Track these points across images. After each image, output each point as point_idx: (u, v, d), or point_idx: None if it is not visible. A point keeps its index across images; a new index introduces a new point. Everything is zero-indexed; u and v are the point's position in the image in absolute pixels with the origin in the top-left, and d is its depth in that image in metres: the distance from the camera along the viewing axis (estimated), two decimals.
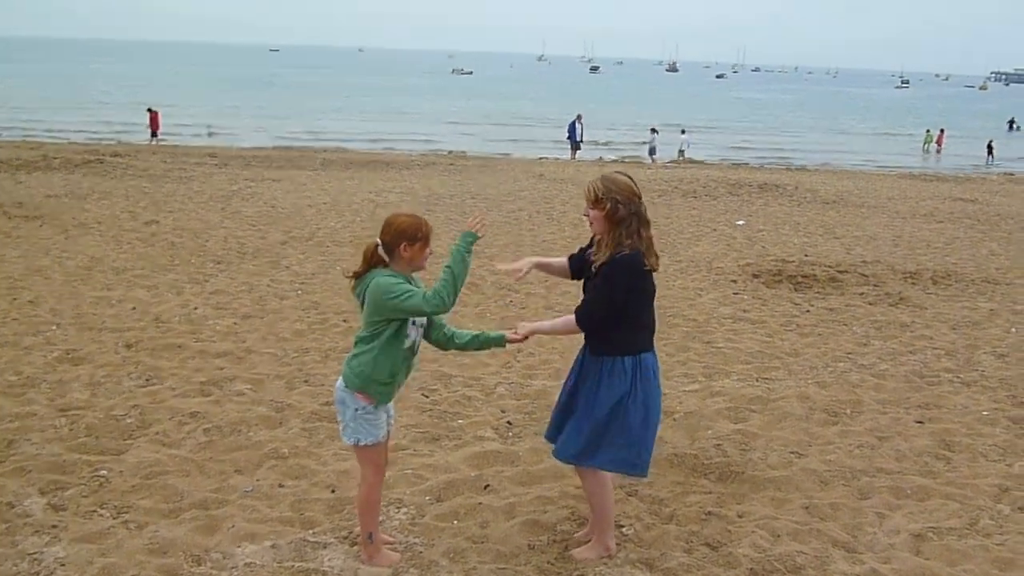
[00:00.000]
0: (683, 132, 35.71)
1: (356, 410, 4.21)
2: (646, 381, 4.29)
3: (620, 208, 4.17)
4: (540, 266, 4.64)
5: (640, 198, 4.24)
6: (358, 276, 4.21)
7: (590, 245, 4.45)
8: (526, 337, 4.44)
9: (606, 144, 34.39)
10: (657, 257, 4.28)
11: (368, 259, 4.18)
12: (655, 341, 4.43)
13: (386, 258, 4.15)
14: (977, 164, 38.58)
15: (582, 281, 4.47)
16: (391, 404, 4.41)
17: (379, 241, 4.16)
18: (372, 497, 4.38)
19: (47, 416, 6.16)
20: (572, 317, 4.29)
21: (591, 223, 4.29)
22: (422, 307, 4.04)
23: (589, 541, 4.60)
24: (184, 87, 77.30)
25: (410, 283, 4.16)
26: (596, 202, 4.21)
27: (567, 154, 33.54)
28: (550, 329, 4.80)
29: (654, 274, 4.28)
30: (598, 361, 4.30)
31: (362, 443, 4.26)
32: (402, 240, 4.10)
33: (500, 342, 4.45)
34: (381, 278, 4.09)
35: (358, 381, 4.19)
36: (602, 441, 4.28)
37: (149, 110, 32.55)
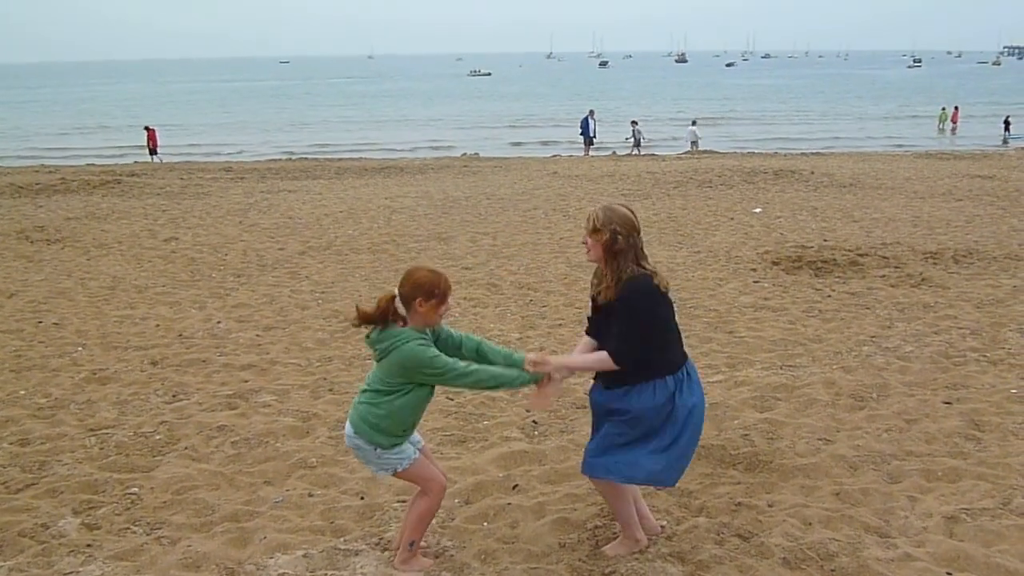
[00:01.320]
0: (693, 123, 35.77)
1: (375, 449, 4.16)
2: (689, 393, 4.26)
3: (619, 240, 4.09)
4: (569, 366, 4.42)
5: (639, 232, 4.18)
6: (370, 322, 4.07)
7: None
8: (549, 376, 4.22)
9: (650, 142, 34.15)
10: (664, 280, 4.20)
11: (383, 309, 4.04)
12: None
13: (402, 310, 4.06)
14: (995, 141, 38.15)
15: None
16: None
17: (396, 292, 4.08)
18: (432, 509, 4.37)
19: (77, 436, 6.22)
20: (605, 355, 4.15)
21: (588, 251, 4.22)
22: (455, 383, 4.09)
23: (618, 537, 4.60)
24: (194, 104, 77.71)
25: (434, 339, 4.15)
26: (594, 232, 4.14)
27: (581, 151, 33.57)
28: (581, 365, 4.41)
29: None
30: (644, 387, 4.20)
31: (400, 470, 4.24)
32: (418, 294, 4.01)
33: (524, 380, 4.20)
34: (416, 346, 4.00)
35: (368, 429, 4.12)
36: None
37: (147, 128, 32.69)
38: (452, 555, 4.59)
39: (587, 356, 4.33)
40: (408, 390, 4.10)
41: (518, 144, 40.17)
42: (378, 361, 4.13)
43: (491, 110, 65.32)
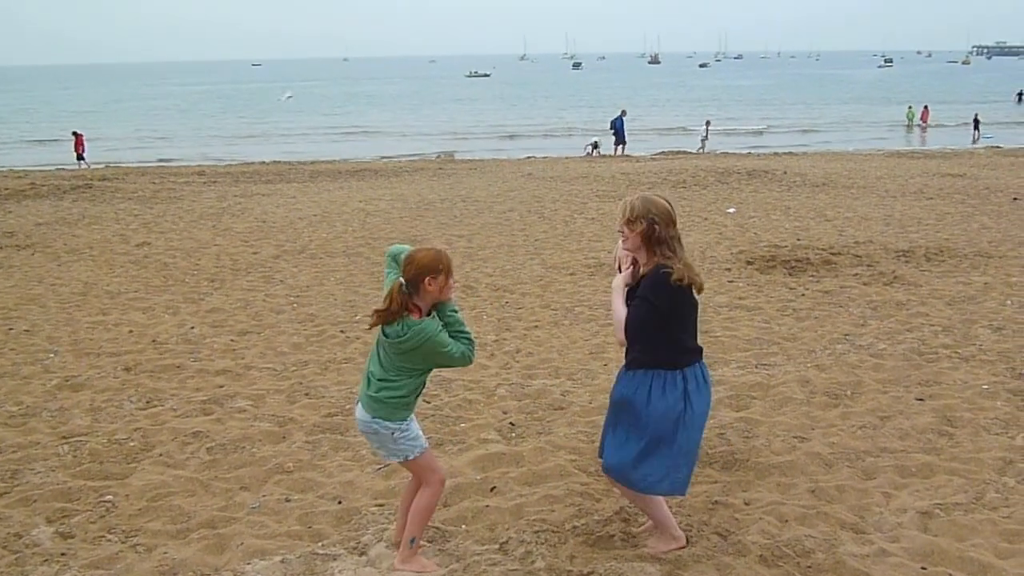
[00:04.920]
0: (707, 123, 36.94)
1: (393, 434, 4.25)
2: (698, 396, 4.29)
3: (656, 229, 4.16)
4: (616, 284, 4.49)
5: (675, 224, 4.25)
6: (391, 318, 4.12)
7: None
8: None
9: (683, 151, 34.18)
10: (698, 275, 4.22)
11: (398, 301, 4.11)
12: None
13: (411, 294, 4.13)
14: (965, 140, 38.52)
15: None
16: None
17: (402, 280, 4.14)
18: (432, 504, 4.44)
19: (50, 444, 6.16)
20: (626, 316, 4.22)
21: (625, 239, 4.28)
22: (463, 362, 4.22)
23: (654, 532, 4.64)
24: (163, 109, 76.64)
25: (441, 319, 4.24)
26: (630, 222, 4.20)
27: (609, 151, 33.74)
28: (616, 298, 4.36)
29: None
30: (645, 375, 4.28)
31: (411, 457, 4.31)
32: (425, 274, 4.09)
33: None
34: (438, 336, 4.12)
35: (386, 410, 4.22)
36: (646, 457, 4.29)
37: (74, 133, 32.14)
38: (431, 557, 4.58)
39: (620, 301, 4.32)
40: (427, 369, 4.27)
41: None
42: (399, 352, 4.17)
43: (470, 118, 63.32)
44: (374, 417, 4.24)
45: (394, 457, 4.34)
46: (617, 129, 33.66)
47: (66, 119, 57.74)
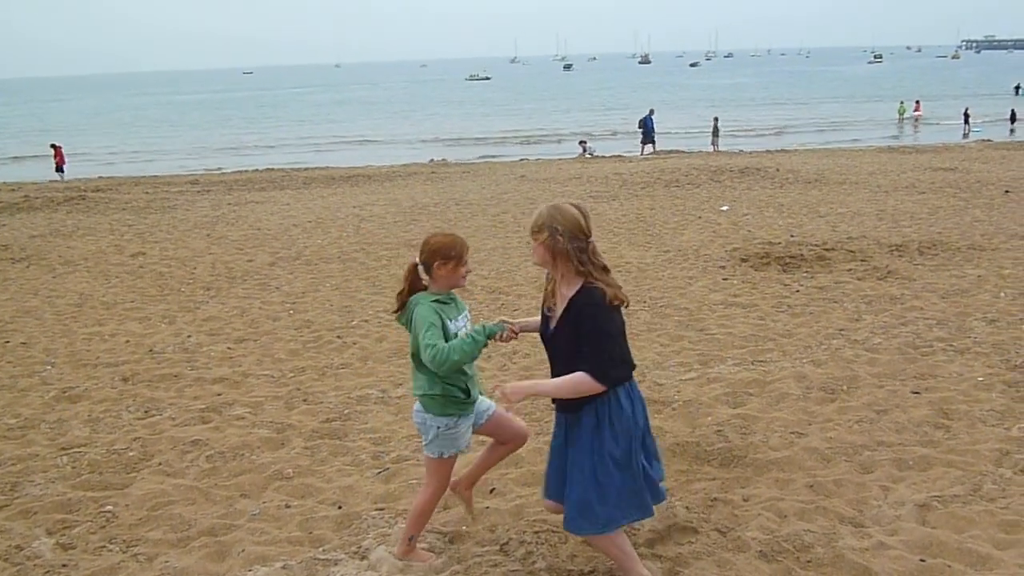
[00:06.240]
0: (715, 119, 37.14)
1: (438, 428, 4.31)
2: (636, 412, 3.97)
3: (559, 240, 3.77)
4: (540, 392, 4.21)
5: (588, 235, 3.81)
6: (402, 299, 4.29)
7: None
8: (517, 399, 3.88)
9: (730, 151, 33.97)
10: (621, 289, 3.84)
11: (408, 279, 4.28)
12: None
13: (425, 277, 4.25)
14: (955, 134, 38.61)
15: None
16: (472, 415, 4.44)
17: (418, 261, 4.26)
18: (430, 506, 4.53)
19: (49, 456, 6.16)
20: (581, 375, 3.76)
21: (533, 251, 3.95)
22: (428, 356, 4.01)
23: None
24: (154, 120, 76.52)
25: (449, 307, 4.22)
26: (535, 231, 3.85)
27: (638, 150, 33.88)
28: (554, 390, 3.94)
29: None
30: (600, 403, 3.89)
31: (445, 455, 4.38)
32: (436, 258, 4.19)
33: (480, 343, 4.06)
34: (424, 307, 4.14)
35: (437, 407, 4.28)
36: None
37: (53, 146, 32.12)
38: (432, 559, 4.59)
39: (560, 381, 3.87)
40: None
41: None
42: (411, 335, 4.24)
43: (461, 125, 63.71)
44: (426, 410, 4.31)
45: (430, 451, 4.38)
46: (647, 128, 33.76)
47: (56, 133, 57.48)
